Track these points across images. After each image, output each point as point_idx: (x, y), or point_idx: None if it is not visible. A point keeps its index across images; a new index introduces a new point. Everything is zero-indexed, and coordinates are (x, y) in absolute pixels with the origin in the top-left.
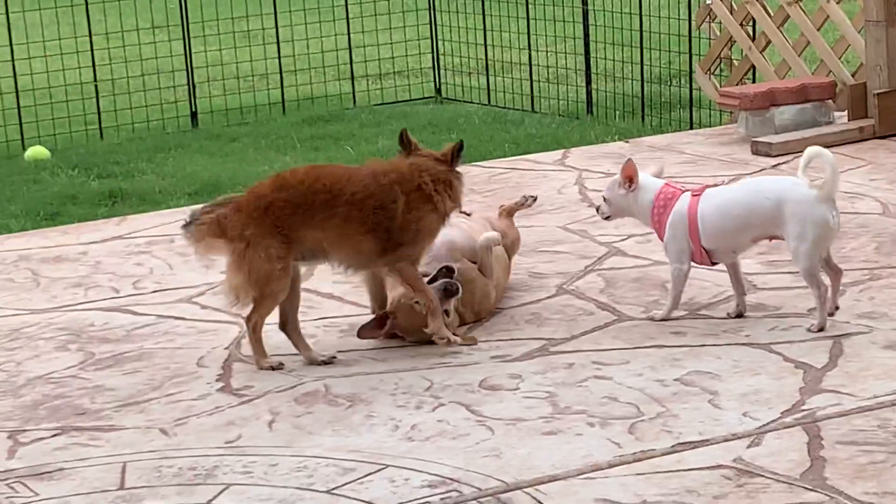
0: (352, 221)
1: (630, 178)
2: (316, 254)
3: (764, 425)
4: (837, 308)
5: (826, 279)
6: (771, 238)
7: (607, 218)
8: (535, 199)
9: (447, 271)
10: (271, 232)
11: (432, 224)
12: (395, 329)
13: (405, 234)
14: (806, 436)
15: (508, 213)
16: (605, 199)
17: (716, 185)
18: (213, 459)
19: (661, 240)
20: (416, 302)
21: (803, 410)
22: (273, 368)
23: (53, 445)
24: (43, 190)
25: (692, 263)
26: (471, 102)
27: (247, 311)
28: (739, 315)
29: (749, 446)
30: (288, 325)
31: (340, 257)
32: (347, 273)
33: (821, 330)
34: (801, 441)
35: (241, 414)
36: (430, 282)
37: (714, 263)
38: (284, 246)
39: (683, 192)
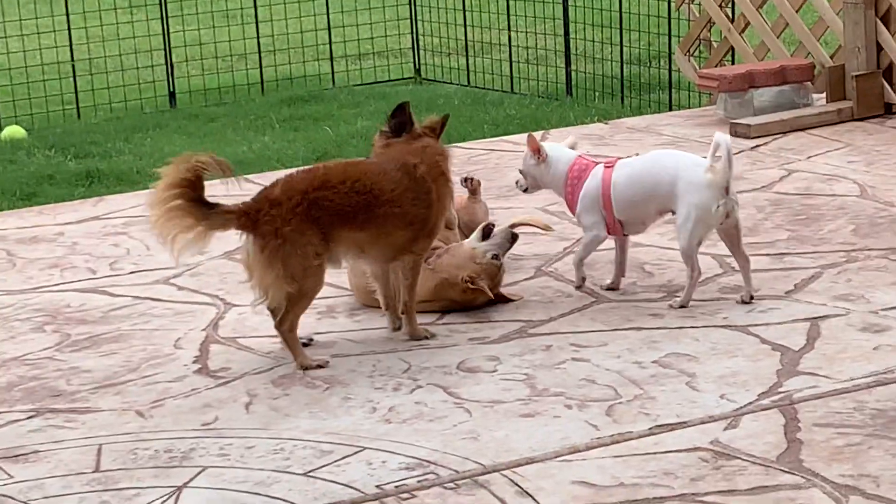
0: (391, 218)
1: (537, 150)
2: (348, 253)
3: (741, 407)
4: (752, 297)
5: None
6: (672, 212)
7: (525, 190)
8: (470, 180)
9: (492, 228)
10: (312, 229)
11: (450, 203)
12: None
13: (439, 218)
14: (783, 418)
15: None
16: (521, 172)
17: (627, 157)
18: (190, 442)
19: (572, 211)
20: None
21: (780, 393)
22: (320, 367)
23: (28, 427)
24: (19, 170)
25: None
26: (450, 83)
27: (265, 306)
28: (614, 288)
29: (726, 428)
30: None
31: (375, 253)
32: (370, 267)
33: (682, 307)
34: (777, 423)
35: (218, 396)
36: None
37: (625, 235)
38: (323, 244)
39: (597, 164)
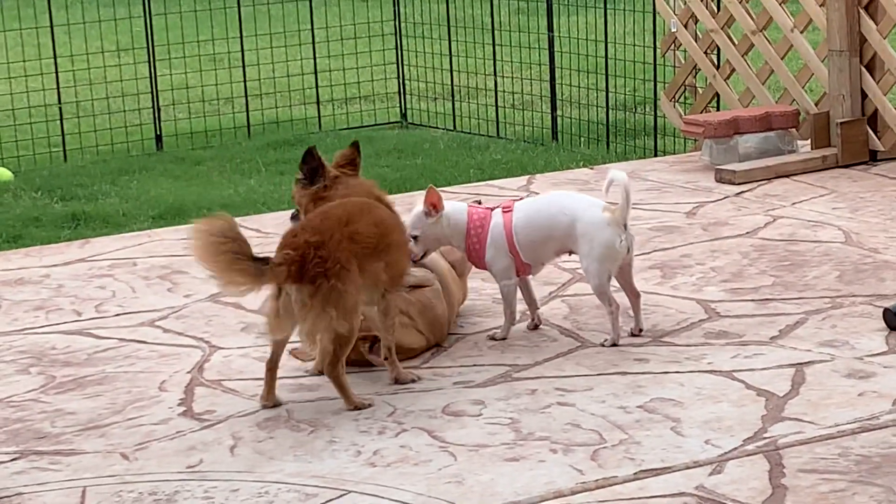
0: (396, 246)
1: (434, 205)
2: (368, 287)
3: (726, 453)
4: (641, 330)
5: (626, 302)
6: (570, 252)
7: (422, 257)
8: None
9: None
10: (353, 264)
11: None
12: None
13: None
14: (768, 464)
15: None
16: (415, 239)
17: (521, 199)
18: (175, 484)
19: (479, 261)
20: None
21: (765, 438)
22: (369, 406)
23: (12, 469)
24: (6, 212)
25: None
26: (436, 128)
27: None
28: (536, 328)
29: (711, 474)
30: (275, 365)
31: (382, 284)
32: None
33: (614, 345)
34: (762, 469)
35: (203, 439)
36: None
37: (529, 274)
38: (359, 278)
39: (493, 209)
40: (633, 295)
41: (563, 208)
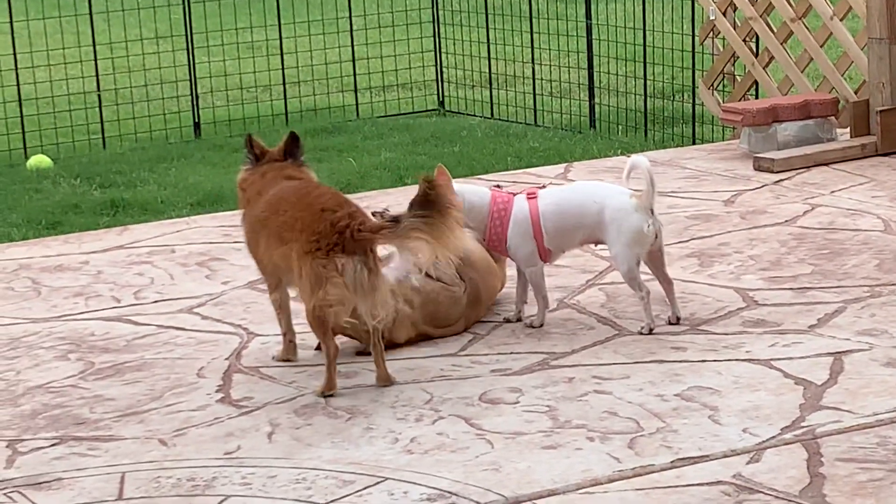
0: None
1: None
2: None
3: (763, 441)
4: (679, 319)
5: (661, 289)
6: (596, 242)
7: None
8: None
9: None
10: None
11: None
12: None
13: None
14: (805, 452)
15: None
16: None
17: (543, 187)
18: (212, 471)
19: (500, 247)
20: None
21: (803, 427)
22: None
23: (52, 455)
24: (45, 199)
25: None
26: (474, 115)
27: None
28: (519, 320)
29: (749, 462)
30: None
31: None
32: None
33: (650, 332)
34: (800, 458)
35: (241, 425)
36: None
37: (548, 262)
38: None
39: (515, 195)
40: (667, 282)
41: (592, 196)
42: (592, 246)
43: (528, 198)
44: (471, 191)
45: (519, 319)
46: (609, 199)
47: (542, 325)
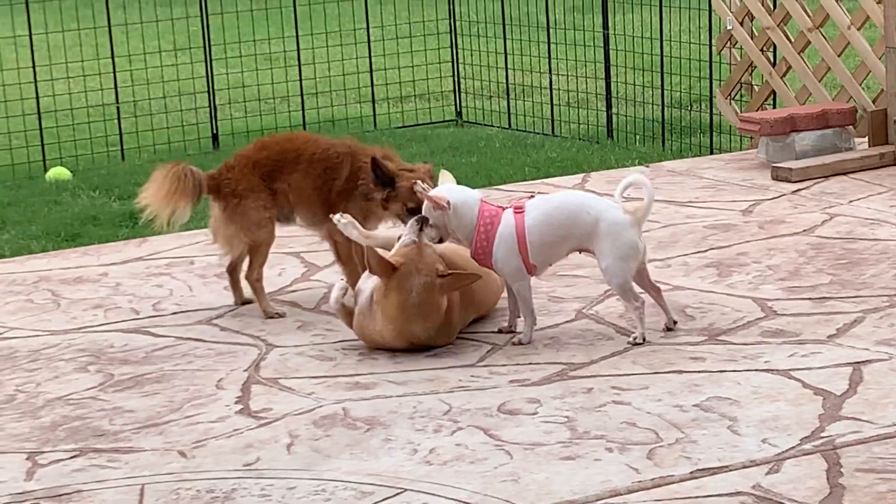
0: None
1: (436, 202)
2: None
3: (783, 452)
4: (676, 322)
5: (649, 299)
6: (581, 251)
7: (439, 241)
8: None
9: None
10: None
11: None
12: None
13: None
14: (825, 463)
15: None
16: (429, 225)
17: (532, 197)
18: (232, 482)
19: (485, 259)
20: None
21: (823, 437)
22: (280, 316)
23: (72, 467)
24: (64, 211)
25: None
26: (491, 126)
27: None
28: (511, 331)
29: (768, 473)
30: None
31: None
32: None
33: (643, 342)
34: (820, 468)
35: (260, 436)
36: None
37: (533, 276)
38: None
39: (504, 209)
40: (654, 290)
41: (586, 207)
42: (577, 254)
43: (516, 212)
44: (460, 198)
45: (511, 331)
46: (605, 211)
47: (529, 342)
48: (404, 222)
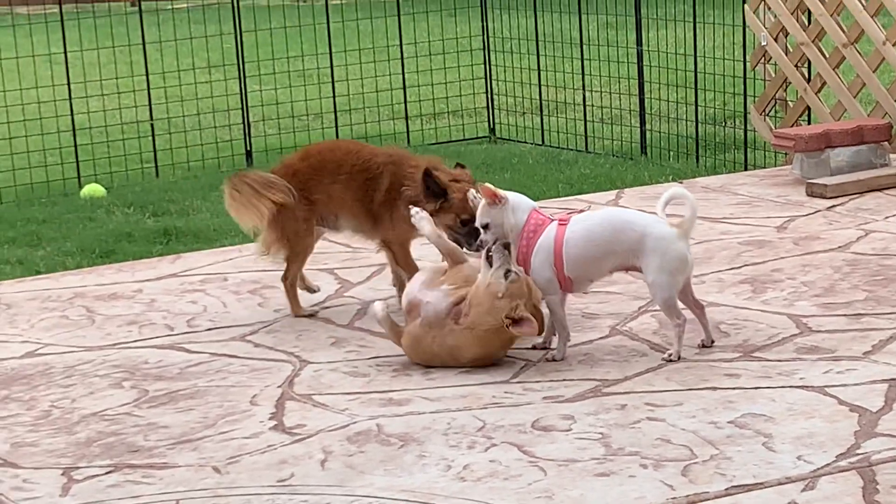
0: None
1: (494, 195)
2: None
3: (818, 469)
4: (713, 341)
5: (690, 315)
6: (627, 269)
7: (495, 242)
8: None
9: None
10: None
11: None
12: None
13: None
14: (861, 480)
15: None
16: (484, 227)
17: (582, 212)
18: (266, 498)
19: (522, 264)
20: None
21: (858, 454)
22: (310, 316)
23: (107, 483)
24: (98, 227)
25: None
26: (524, 142)
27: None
28: (545, 347)
29: (803, 490)
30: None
31: None
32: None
33: (678, 359)
34: (856, 485)
35: (294, 453)
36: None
37: (569, 292)
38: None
39: (552, 220)
40: (698, 307)
41: (631, 223)
42: (623, 273)
43: (560, 224)
44: (516, 200)
45: (545, 347)
46: (650, 227)
47: (563, 359)
48: (455, 233)
